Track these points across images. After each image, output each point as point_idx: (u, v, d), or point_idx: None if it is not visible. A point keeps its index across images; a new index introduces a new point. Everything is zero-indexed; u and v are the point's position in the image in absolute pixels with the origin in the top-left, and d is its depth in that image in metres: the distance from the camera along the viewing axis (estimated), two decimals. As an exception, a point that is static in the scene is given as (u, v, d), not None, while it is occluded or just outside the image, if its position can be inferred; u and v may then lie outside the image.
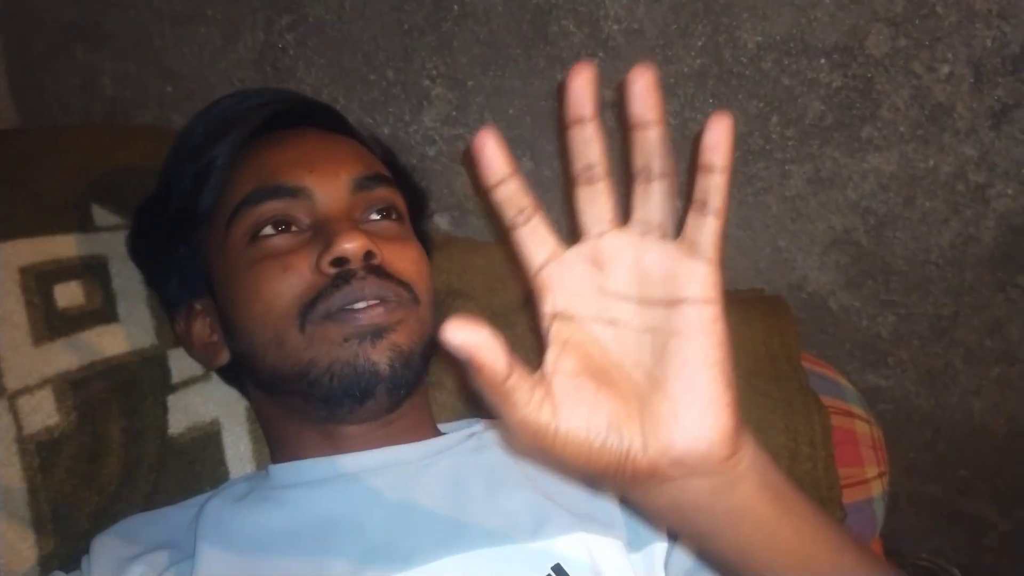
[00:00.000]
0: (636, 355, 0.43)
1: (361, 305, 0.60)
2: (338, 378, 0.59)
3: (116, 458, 0.67)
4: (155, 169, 0.80)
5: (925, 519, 1.18)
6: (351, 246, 0.59)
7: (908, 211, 0.97)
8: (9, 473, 0.64)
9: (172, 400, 0.71)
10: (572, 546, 0.58)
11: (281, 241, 0.62)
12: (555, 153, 1.02)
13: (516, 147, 1.02)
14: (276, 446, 0.68)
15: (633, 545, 0.62)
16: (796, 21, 0.90)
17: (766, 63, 0.92)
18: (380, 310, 0.60)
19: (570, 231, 1.03)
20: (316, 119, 0.71)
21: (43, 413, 0.66)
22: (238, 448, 0.72)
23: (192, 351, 0.70)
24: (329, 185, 0.64)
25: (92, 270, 0.72)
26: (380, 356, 0.59)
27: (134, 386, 0.70)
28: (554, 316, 0.44)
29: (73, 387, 0.67)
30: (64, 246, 0.72)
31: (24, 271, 0.69)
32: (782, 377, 0.86)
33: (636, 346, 0.43)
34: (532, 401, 0.40)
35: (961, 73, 0.89)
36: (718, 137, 0.41)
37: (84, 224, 0.74)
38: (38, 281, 0.70)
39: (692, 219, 0.43)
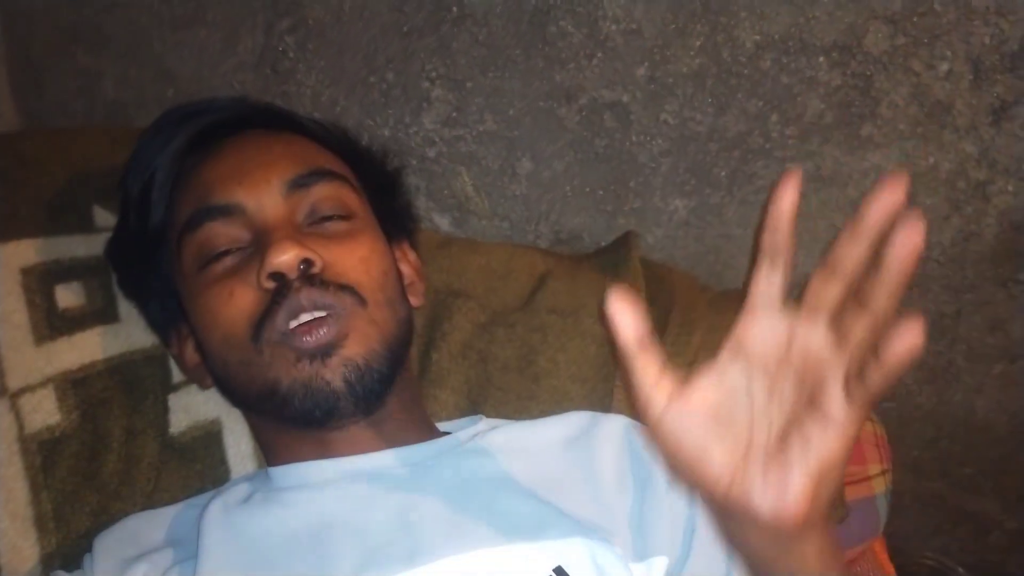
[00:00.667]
0: (767, 414, 0.47)
1: (306, 318, 0.58)
2: (299, 398, 0.58)
3: (117, 457, 0.67)
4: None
5: (929, 517, 1.18)
6: (284, 258, 0.58)
7: (909, 209, 0.97)
8: (11, 472, 0.64)
9: (173, 399, 0.71)
10: (574, 550, 0.58)
11: (225, 264, 0.62)
12: (554, 154, 1.02)
13: (516, 148, 1.03)
14: (273, 452, 0.68)
15: (636, 555, 0.61)
16: (794, 20, 0.90)
17: (765, 62, 0.93)
18: (324, 328, 0.58)
19: (571, 233, 1.02)
20: (253, 122, 0.70)
21: (44, 412, 0.66)
22: (239, 447, 0.72)
23: (187, 374, 0.70)
24: (261, 195, 0.62)
25: (93, 271, 0.73)
26: (333, 374, 0.58)
27: (135, 385, 0.70)
28: (736, 346, 0.48)
29: (74, 386, 0.67)
30: (65, 247, 0.72)
31: (26, 271, 0.70)
32: (784, 375, 0.86)
33: (772, 408, 0.47)
34: (653, 384, 0.45)
35: (960, 70, 0.89)
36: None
37: (85, 225, 0.75)
38: (39, 281, 0.70)
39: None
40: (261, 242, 0.60)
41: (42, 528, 0.64)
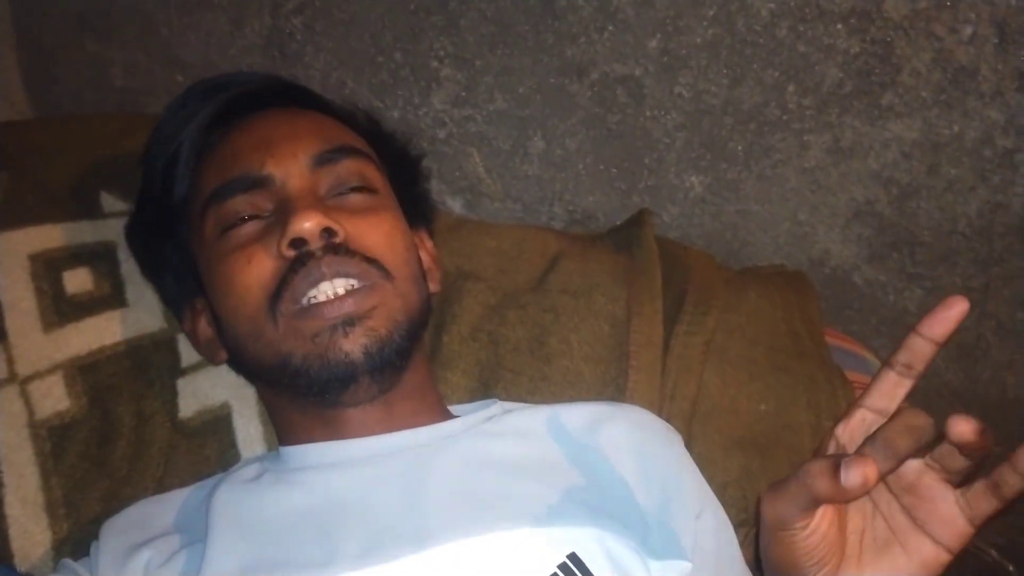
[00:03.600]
0: (872, 530, 0.50)
1: (325, 289, 0.58)
2: (314, 370, 0.58)
3: (126, 442, 0.67)
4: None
5: (957, 497, 1.15)
6: (307, 225, 0.58)
7: (933, 180, 0.94)
8: (21, 458, 0.64)
9: (182, 384, 0.71)
10: (588, 538, 0.57)
11: (246, 231, 0.61)
12: (567, 131, 1.00)
13: (527, 127, 1.01)
14: (284, 432, 0.67)
15: (656, 552, 0.60)
16: (811, -15, 0.87)
17: (781, 30, 0.90)
18: (350, 301, 0.58)
19: (585, 213, 1.00)
20: (280, 99, 0.70)
21: (54, 398, 0.66)
22: (248, 431, 0.72)
23: (199, 349, 0.70)
24: (288, 166, 0.62)
25: (100, 256, 0.73)
26: (353, 345, 0.58)
27: (143, 370, 0.70)
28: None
29: (83, 372, 0.67)
30: (72, 233, 0.73)
31: (33, 258, 0.70)
32: (804, 353, 0.85)
33: (875, 524, 0.50)
34: (799, 515, 0.45)
35: (985, 33, 0.86)
36: None
37: (92, 211, 0.75)
38: (47, 268, 0.70)
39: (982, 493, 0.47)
40: (284, 211, 0.60)
41: (53, 514, 0.64)
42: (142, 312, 0.72)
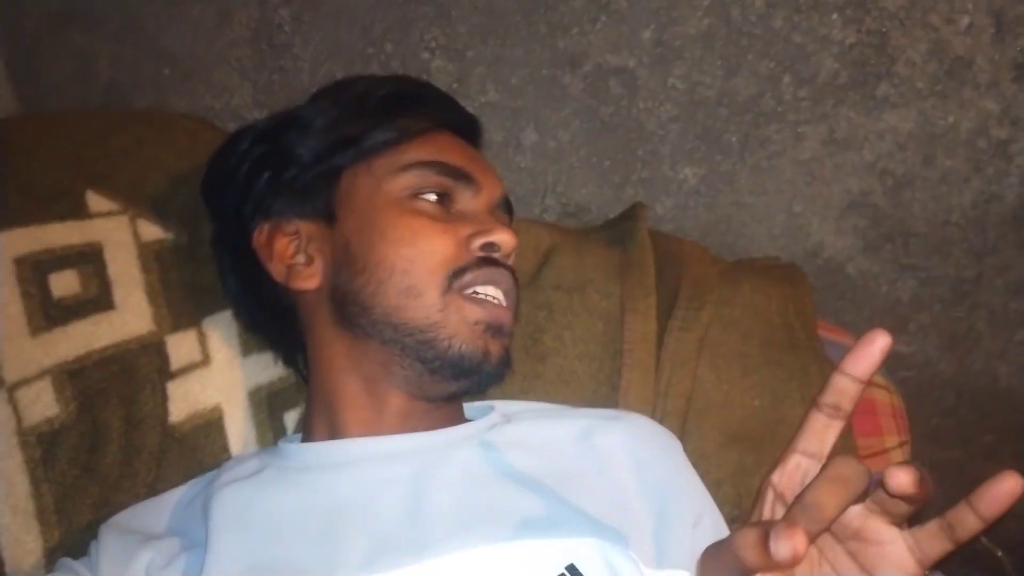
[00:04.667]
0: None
1: (493, 292, 0.64)
2: (456, 350, 0.62)
3: (117, 447, 0.67)
4: (151, 153, 0.79)
5: (949, 487, 1.15)
6: (509, 239, 0.65)
7: (927, 171, 0.94)
8: (10, 466, 0.63)
9: (172, 387, 0.70)
10: (587, 549, 0.57)
11: (436, 210, 0.66)
12: (559, 123, 0.99)
13: (520, 118, 1.00)
14: (317, 407, 0.67)
15: (655, 562, 0.60)
16: (806, -25, 0.86)
17: (776, 21, 0.89)
18: (508, 314, 0.65)
19: (578, 205, 1.00)
20: (472, 137, 0.75)
21: (42, 404, 0.65)
22: (241, 435, 0.71)
23: (270, 263, 0.68)
24: (491, 191, 0.69)
25: (87, 258, 0.71)
26: (495, 350, 0.64)
27: (133, 374, 0.69)
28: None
29: (71, 377, 0.67)
30: (58, 234, 0.71)
31: (19, 261, 0.69)
32: (797, 346, 0.84)
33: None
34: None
35: (981, 24, 0.85)
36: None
37: (78, 211, 0.73)
38: (33, 271, 0.69)
39: (934, 535, 0.45)
40: (478, 218, 0.66)
41: (44, 521, 0.63)
42: (130, 315, 0.71)
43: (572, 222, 1.04)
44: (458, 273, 0.63)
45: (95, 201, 0.75)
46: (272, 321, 0.72)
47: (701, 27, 0.91)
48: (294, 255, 0.68)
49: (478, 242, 0.64)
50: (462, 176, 0.67)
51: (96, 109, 1.06)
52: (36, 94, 1.10)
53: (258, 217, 0.69)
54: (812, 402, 0.46)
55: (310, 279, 0.67)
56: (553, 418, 0.68)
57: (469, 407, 0.72)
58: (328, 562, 0.56)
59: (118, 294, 0.71)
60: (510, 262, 0.67)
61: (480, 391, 0.67)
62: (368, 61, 1.00)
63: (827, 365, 0.83)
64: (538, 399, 0.76)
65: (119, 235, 0.73)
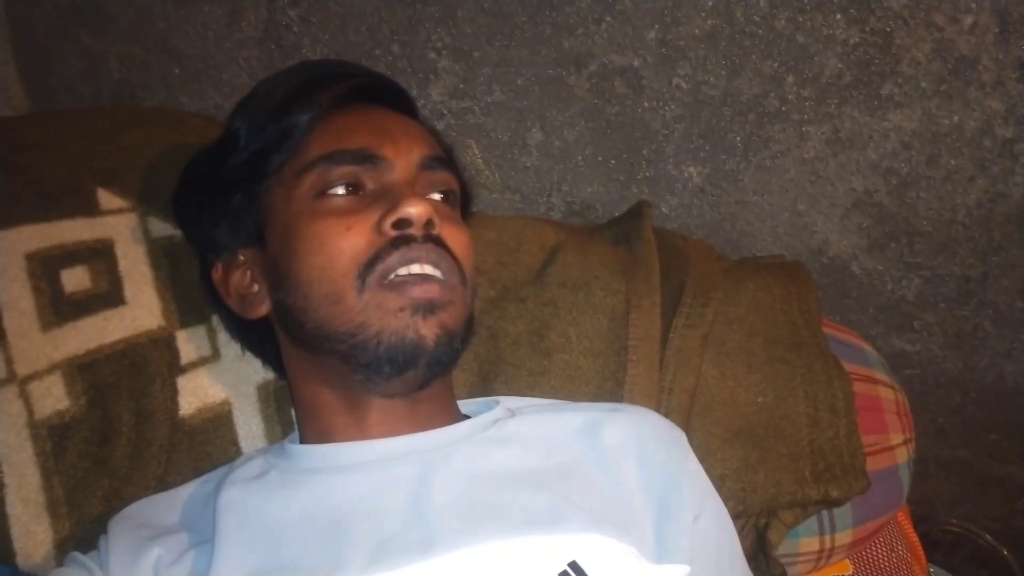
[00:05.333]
0: None
1: (416, 270, 0.61)
2: (385, 345, 0.59)
3: (127, 441, 0.67)
4: (161, 151, 0.80)
5: (955, 484, 1.16)
6: (416, 210, 0.61)
7: (932, 170, 0.94)
8: (22, 458, 0.64)
9: (182, 381, 0.71)
10: (589, 545, 0.57)
11: (346, 202, 0.63)
12: (565, 123, 1.00)
13: (525, 118, 1.01)
14: (303, 416, 0.67)
15: (655, 556, 0.61)
16: (810, -25, 0.87)
17: (780, 21, 0.89)
18: (435, 286, 0.61)
19: (583, 204, 1.00)
20: (391, 100, 0.72)
21: (53, 398, 0.66)
22: (250, 428, 0.72)
23: (228, 299, 0.69)
24: (403, 157, 0.65)
25: (98, 254, 0.72)
26: (429, 331, 0.60)
27: (143, 368, 0.70)
28: None
29: (82, 371, 0.67)
30: (69, 231, 0.72)
31: (30, 257, 0.69)
32: (802, 344, 0.84)
33: None
34: None
35: (986, 23, 0.85)
36: None
37: (89, 208, 0.74)
38: (44, 267, 0.69)
39: None
40: (392, 194, 0.63)
41: (55, 513, 0.64)
42: (140, 310, 0.71)
43: (577, 220, 1.04)
44: (369, 265, 0.60)
45: (106, 198, 0.76)
46: (259, 345, 0.73)
47: (705, 27, 0.92)
48: (249, 285, 0.68)
49: (387, 222, 0.61)
50: (365, 157, 0.64)
51: (107, 106, 1.07)
52: (47, 93, 1.11)
53: (209, 255, 0.70)
54: None
55: (260, 306, 0.67)
56: (556, 413, 0.68)
57: (474, 402, 0.72)
58: (333, 562, 0.56)
59: (129, 289, 0.72)
60: (435, 231, 0.62)
61: (437, 375, 0.63)
62: (375, 62, 1.01)
63: (831, 363, 0.84)
64: (544, 395, 0.76)
65: (129, 231, 0.74)
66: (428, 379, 0.62)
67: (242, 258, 0.68)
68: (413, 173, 0.65)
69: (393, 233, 0.61)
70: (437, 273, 0.61)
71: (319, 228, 0.62)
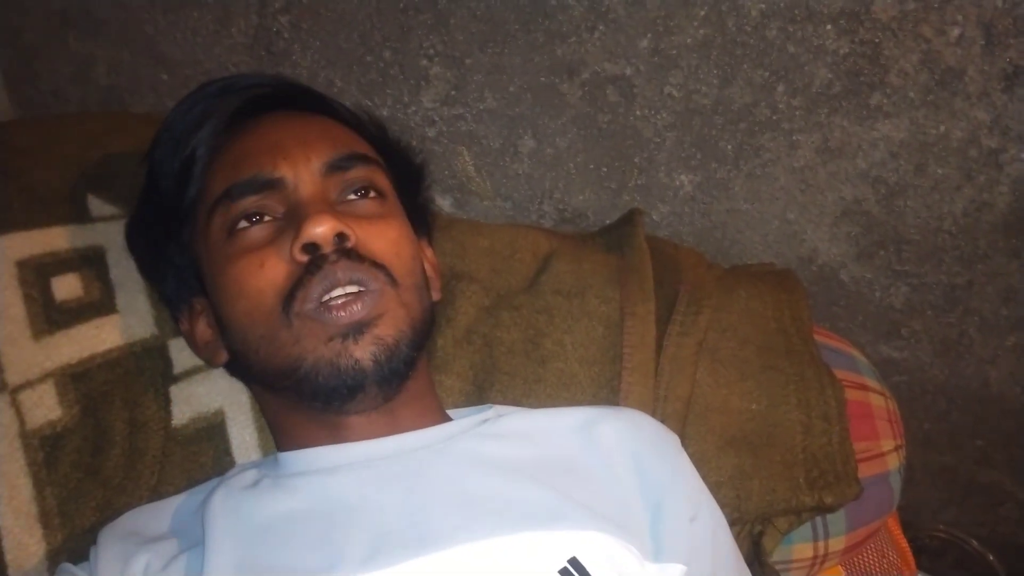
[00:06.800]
0: None
1: (338, 294, 0.58)
2: (323, 375, 0.58)
3: (120, 451, 0.66)
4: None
5: (941, 490, 1.17)
6: (320, 230, 0.58)
7: (919, 179, 0.95)
8: (13, 468, 0.63)
9: (175, 391, 0.70)
10: (589, 542, 0.57)
11: (256, 233, 0.61)
12: (557, 130, 1.00)
13: (517, 126, 1.01)
14: (282, 437, 0.67)
15: (653, 556, 0.61)
16: (801, -14, 0.88)
17: (771, 31, 0.90)
18: (358, 305, 0.58)
19: (575, 211, 1.01)
20: (292, 102, 0.70)
21: (45, 407, 0.65)
22: (243, 438, 0.71)
23: (197, 351, 0.69)
24: (301, 171, 0.62)
25: (89, 261, 0.71)
26: (363, 352, 0.58)
27: (135, 377, 0.69)
28: None
29: (74, 380, 0.67)
30: (60, 238, 0.71)
31: (21, 264, 0.69)
32: (793, 351, 0.85)
33: None
34: None
35: (972, 35, 0.87)
36: None
37: (80, 215, 0.73)
38: (36, 274, 0.69)
39: None
40: (296, 215, 0.60)
41: (47, 524, 0.63)
42: (133, 318, 0.71)
43: (569, 228, 1.05)
44: (289, 299, 0.58)
45: (96, 205, 0.75)
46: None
47: (697, 37, 0.92)
48: (210, 334, 0.67)
49: (295, 250, 0.58)
50: (262, 184, 0.61)
51: (98, 112, 1.06)
52: (34, 98, 1.10)
53: (172, 309, 0.70)
54: None
55: (219, 353, 0.66)
56: (550, 412, 0.68)
57: (466, 411, 0.72)
58: (329, 562, 0.55)
59: (120, 298, 0.71)
60: (350, 244, 0.59)
61: (397, 385, 0.61)
62: (367, 68, 1.00)
63: (823, 370, 0.84)
64: (539, 402, 0.76)
65: (121, 239, 0.73)
66: (388, 394, 0.61)
67: (198, 308, 0.67)
68: (318, 183, 0.62)
69: (305, 258, 0.58)
70: (365, 287, 0.59)
71: (235, 271, 0.60)
